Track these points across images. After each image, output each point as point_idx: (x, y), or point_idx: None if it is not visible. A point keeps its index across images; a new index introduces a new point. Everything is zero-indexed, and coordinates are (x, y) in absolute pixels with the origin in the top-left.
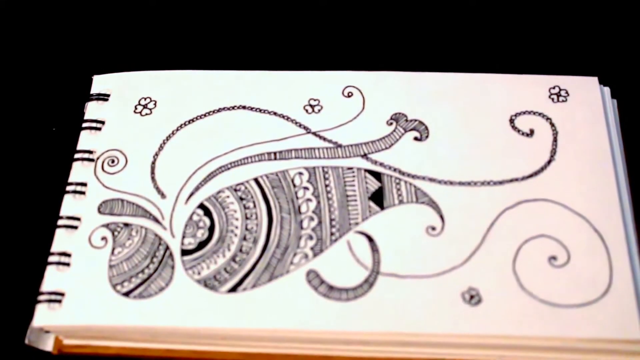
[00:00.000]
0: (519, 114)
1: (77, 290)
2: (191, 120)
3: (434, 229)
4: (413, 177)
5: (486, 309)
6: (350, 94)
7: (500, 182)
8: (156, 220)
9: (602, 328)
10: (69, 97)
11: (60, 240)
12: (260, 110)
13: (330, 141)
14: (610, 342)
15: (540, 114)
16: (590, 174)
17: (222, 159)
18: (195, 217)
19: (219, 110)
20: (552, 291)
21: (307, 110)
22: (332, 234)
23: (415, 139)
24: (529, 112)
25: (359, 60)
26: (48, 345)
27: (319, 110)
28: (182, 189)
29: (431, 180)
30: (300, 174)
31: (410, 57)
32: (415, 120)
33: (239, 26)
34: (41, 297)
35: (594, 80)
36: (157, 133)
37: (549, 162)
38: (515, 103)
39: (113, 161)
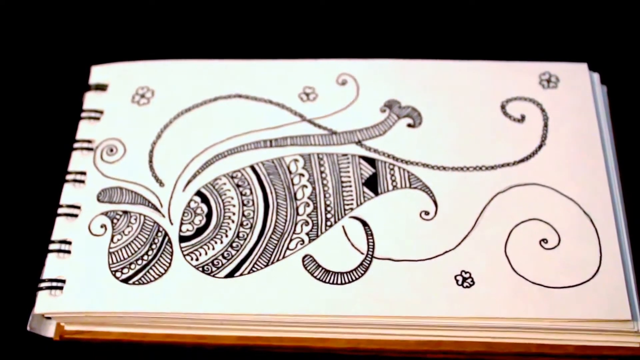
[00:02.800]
0: (510, 100)
1: (78, 277)
2: (188, 109)
3: (427, 213)
4: (407, 162)
5: (479, 291)
6: (344, 82)
7: (492, 167)
8: (155, 207)
9: (592, 309)
10: (67, 88)
11: (61, 228)
12: (255, 99)
13: (325, 128)
14: (600, 323)
15: (531, 100)
16: (580, 159)
17: (219, 147)
18: (192, 204)
19: (216, 99)
20: (543, 273)
21: (302, 98)
22: (327, 219)
23: (409, 125)
24: (520, 98)
25: (352, 49)
26: (50, 332)
27: (314, 98)
28: (180, 176)
29: (424, 165)
30: (296, 160)
31: (403, 45)
32: (409, 107)
33: (234, 16)
34: (42, 285)
35: (584, 66)
36: (155, 122)
37: (540, 147)
38: (507, 89)
39: (112, 150)
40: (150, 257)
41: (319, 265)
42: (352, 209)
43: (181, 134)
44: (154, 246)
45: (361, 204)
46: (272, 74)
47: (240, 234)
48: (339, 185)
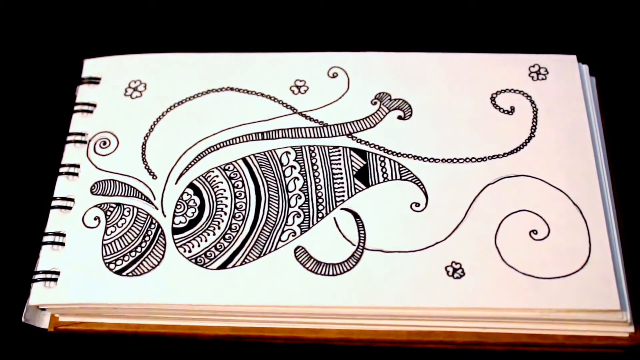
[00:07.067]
0: (500, 92)
1: (72, 269)
2: (180, 102)
3: (417, 205)
4: (397, 154)
5: (469, 282)
6: (335, 75)
7: (482, 159)
8: (148, 200)
9: (581, 299)
10: (60, 81)
11: (55, 220)
12: (247, 92)
13: (316, 121)
14: (589, 312)
15: (520, 91)
16: (570, 150)
17: (211, 140)
18: (185, 197)
19: (208, 92)
20: (533, 264)
21: (293, 91)
22: (319, 211)
23: (399, 117)
24: (510, 90)
25: (343, 42)
26: (44, 323)
27: (305, 91)
28: (173, 169)
29: (415, 157)
30: (288, 153)
31: (393, 38)
32: (399, 100)
33: (226, 9)
34: (37, 276)
35: (573, 58)
36: (148, 115)
37: (529, 138)
38: (496, 81)
39: (105, 143)
40: (143, 249)
41: (310, 257)
42: (343, 201)
43: (174, 127)
44: (147, 238)
45: (352, 195)
46: (264, 67)
47: (233, 226)
48: (330, 177)
